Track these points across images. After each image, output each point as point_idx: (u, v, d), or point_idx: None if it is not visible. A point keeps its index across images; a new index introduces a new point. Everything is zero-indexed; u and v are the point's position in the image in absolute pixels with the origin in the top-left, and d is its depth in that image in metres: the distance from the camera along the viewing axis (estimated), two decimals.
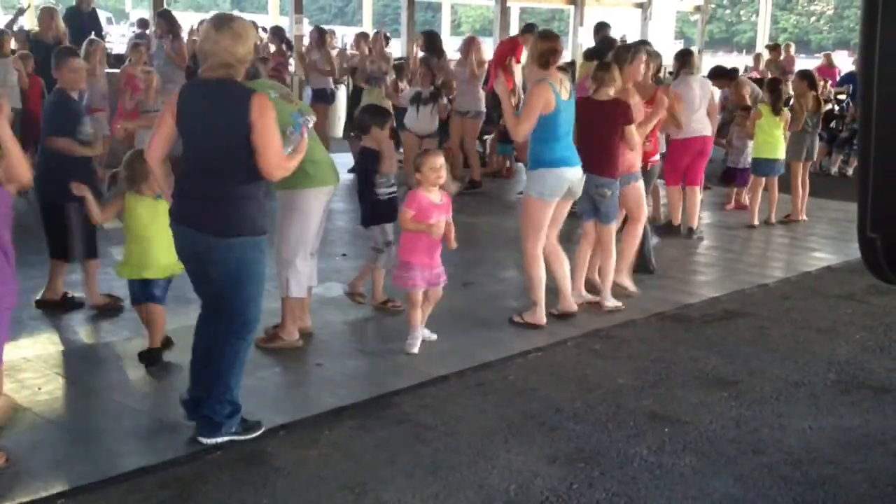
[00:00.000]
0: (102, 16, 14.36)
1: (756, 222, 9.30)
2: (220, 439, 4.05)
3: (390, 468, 3.91)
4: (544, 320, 5.81)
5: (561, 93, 5.64)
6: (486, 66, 10.77)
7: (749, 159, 9.67)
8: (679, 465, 4.03)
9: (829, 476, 3.97)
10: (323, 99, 11.60)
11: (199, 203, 3.98)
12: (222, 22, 4.01)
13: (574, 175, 5.71)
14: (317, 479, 3.79)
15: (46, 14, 10.86)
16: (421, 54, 11.28)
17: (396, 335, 5.73)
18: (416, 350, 5.25)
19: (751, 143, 9.59)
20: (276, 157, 3.94)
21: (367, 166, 5.94)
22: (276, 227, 5.21)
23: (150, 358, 4.95)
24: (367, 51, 11.98)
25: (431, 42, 11.21)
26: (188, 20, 17.22)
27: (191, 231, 3.99)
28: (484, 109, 10.69)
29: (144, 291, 4.97)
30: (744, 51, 24.48)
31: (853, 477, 3.98)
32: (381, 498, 3.67)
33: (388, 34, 12.98)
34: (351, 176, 11.24)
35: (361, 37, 12.53)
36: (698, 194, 8.59)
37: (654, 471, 3.97)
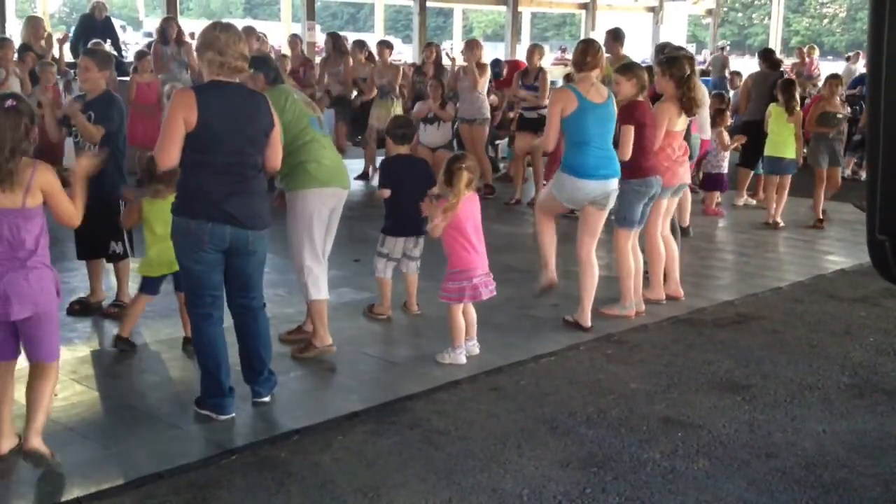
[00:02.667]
0: (116, 24, 14.44)
1: (772, 220, 9.38)
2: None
3: (403, 473, 3.92)
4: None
5: (588, 95, 5.60)
6: (487, 70, 10.76)
7: (724, 165, 9.84)
8: (692, 469, 4.03)
9: (842, 480, 3.96)
10: (342, 106, 11.63)
11: (244, 199, 4.26)
12: (229, 26, 4.33)
13: (598, 188, 5.63)
14: (330, 484, 3.81)
15: (35, 24, 11.00)
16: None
17: (409, 341, 5.76)
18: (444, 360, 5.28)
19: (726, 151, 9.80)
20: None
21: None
22: (287, 233, 5.27)
23: None
24: (363, 59, 11.96)
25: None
26: (202, 28, 17.23)
27: (234, 229, 4.25)
28: (488, 116, 10.74)
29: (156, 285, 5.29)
30: (755, 54, 24.39)
31: (866, 481, 3.96)
32: (394, 502, 3.68)
33: (390, 42, 12.89)
34: (359, 182, 11.35)
35: (357, 45, 12.38)
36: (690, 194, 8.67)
37: (667, 475, 3.96)
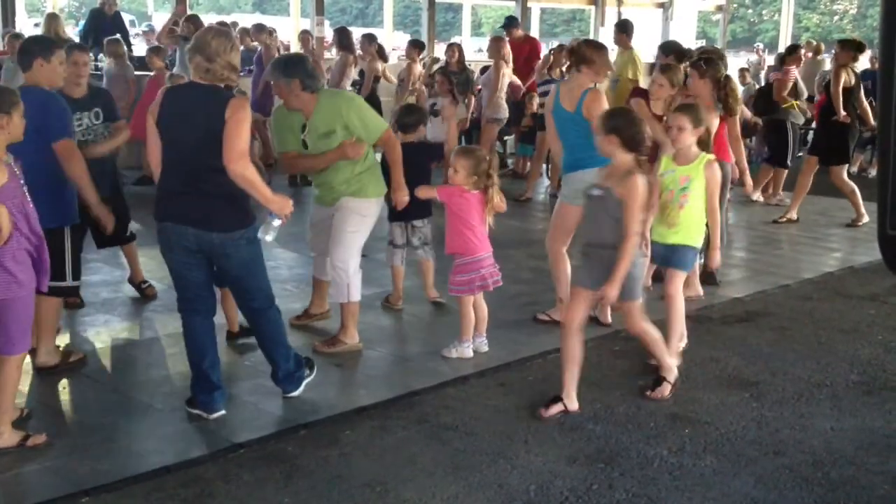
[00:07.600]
0: (125, 19, 14.43)
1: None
2: (302, 388, 4.63)
3: (411, 468, 3.93)
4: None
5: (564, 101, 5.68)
6: (508, 69, 10.77)
7: None
8: (699, 465, 4.03)
9: (850, 477, 3.96)
10: None
11: (196, 200, 4.18)
12: (223, 33, 4.27)
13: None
14: (338, 479, 3.82)
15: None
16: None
17: (417, 336, 5.76)
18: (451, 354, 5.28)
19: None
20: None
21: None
22: (335, 236, 5.25)
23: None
24: (374, 53, 11.97)
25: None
26: (210, 22, 17.22)
27: (196, 230, 4.19)
28: (504, 116, 10.75)
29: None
30: (766, 50, 24.30)
31: (874, 478, 3.95)
32: (401, 497, 3.68)
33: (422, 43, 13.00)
34: None
35: (366, 38, 12.43)
36: None
37: (675, 472, 3.96)
